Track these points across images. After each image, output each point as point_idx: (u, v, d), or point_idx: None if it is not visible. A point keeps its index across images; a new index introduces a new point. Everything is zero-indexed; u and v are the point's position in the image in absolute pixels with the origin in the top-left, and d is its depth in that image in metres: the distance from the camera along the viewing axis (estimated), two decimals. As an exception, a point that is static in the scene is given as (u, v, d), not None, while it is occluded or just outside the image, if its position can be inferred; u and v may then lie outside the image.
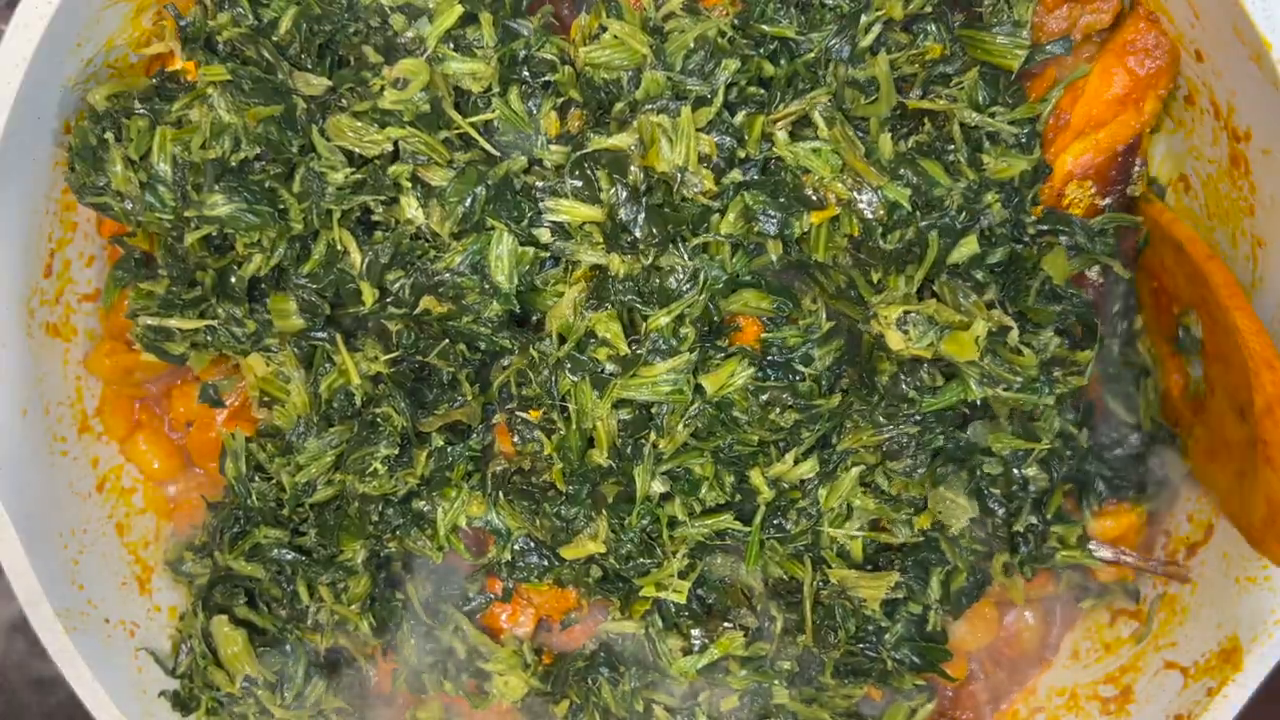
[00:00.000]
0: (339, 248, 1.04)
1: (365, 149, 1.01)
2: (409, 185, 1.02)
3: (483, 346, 1.05)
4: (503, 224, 1.00)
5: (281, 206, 1.03)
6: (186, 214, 1.02)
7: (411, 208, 1.02)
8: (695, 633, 1.10)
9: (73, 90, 1.06)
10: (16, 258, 1.08)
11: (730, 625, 1.10)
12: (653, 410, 1.03)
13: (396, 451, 1.05)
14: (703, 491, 1.05)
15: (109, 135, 1.04)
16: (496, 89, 1.02)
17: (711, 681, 1.11)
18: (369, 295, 1.03)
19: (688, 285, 1.01)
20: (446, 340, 1.05)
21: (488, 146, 1.02)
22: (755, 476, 1.05)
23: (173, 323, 1.09)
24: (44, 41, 0.99)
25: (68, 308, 1.14)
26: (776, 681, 1.10)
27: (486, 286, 1.01)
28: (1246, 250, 1.08)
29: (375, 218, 1.04)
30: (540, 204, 1.02)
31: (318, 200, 1.02)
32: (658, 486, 1.05)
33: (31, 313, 1.10)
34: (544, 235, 1.02)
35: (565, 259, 1.03)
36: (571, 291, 1.02)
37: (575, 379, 1.01)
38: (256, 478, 1.11)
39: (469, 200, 1.00)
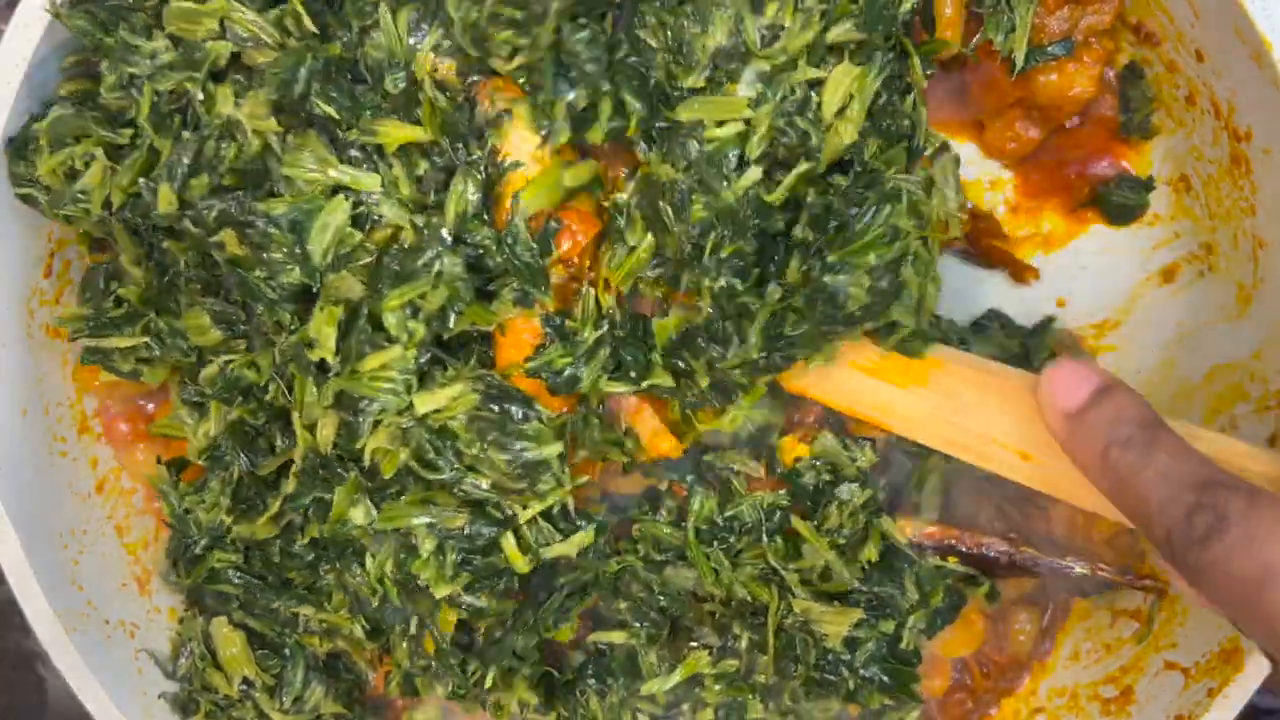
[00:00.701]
0: (153, 144, 0.97)
1: (190, 33, 0.95)
2: (227, 66, 0.96)
3: (259, 311, 0.98)
4: (330, 109, 0.93)
5: (99, 100, 0.99)
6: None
7: (226, 99, 0.94)
8: (662, 654, 1.10)
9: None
10: (16, 258, 1.08)
11: (695, 645, 1.10)
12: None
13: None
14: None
15: (40, 123, 1.01)
16: None
17: (688, 696, 1.11)
18: (166, 200, 0.95)
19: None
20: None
21: (310, 26, 0.94)
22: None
23: (109, 342, 1.07)
24: (44, 41, 0.99)
25: (68, 308, 1.14)
26: (751, 696, 1.09)
27: (297, 251, 0.93)
28: (1247, 250, 1.08)
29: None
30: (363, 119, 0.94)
31: (128, 85, 0.97)
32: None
33: (31, 313, 1.10)
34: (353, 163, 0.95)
35: (368, 214, 0.96)
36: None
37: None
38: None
39: (294, 80, 0.93)
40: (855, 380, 1.02)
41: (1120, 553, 1.14)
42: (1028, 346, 1.14)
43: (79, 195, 1.02)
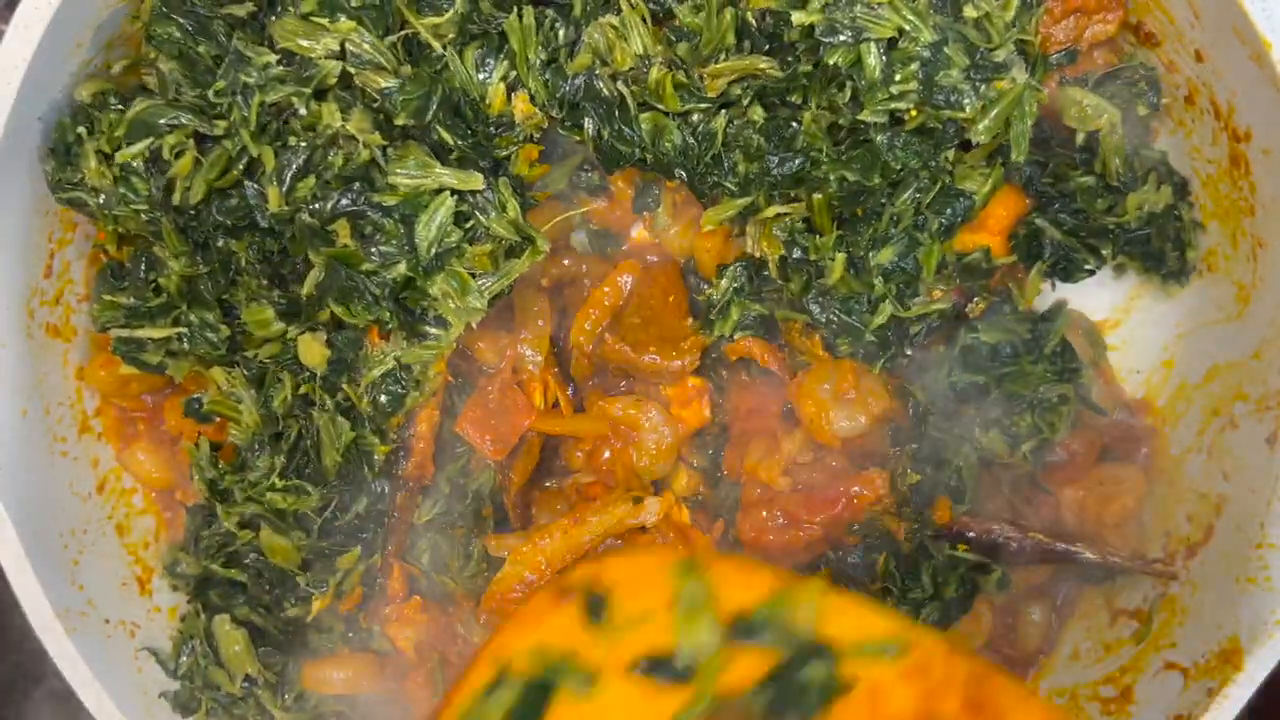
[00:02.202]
0: (254, 154, 1.01)
1: (307, 50, 1.00)
2: (334, 84, 1.01)
3: (353, 313, 1.03)
4: (450, 137, 1.00)
5: (201, 103, 1.02)
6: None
7: (333, 114, 1.00)
8: None
9: (73, 91, 1.06)
10: (16, 258, 1.08)
11: None
12: None
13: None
14: None
15: (82, 130, 1.04)
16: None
17: None
18: (276, 200, 1.01)
19: None
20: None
21: (437, 46, 1.01)
22: None
23: (143, 332, 1.08)
24: (44, 41, 0.99)
25: (68, 308, 1.14)
26: None
27: (405, 244, 1.00)
28: (1247, 250, 1.08)
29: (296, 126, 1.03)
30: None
31: (238, 92, 1.00)
32: None
33: (31, 313, 1.10)
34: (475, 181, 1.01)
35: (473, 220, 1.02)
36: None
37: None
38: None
39: (426, 107, 1.00)
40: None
41: (1130, 537, 1.15)
42: (1037, 332, 1.11)
43: (129, 195, 1.03)
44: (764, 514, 1.10)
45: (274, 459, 1.08)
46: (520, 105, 1.03)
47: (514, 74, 1.02)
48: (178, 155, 1.02)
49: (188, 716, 1.15)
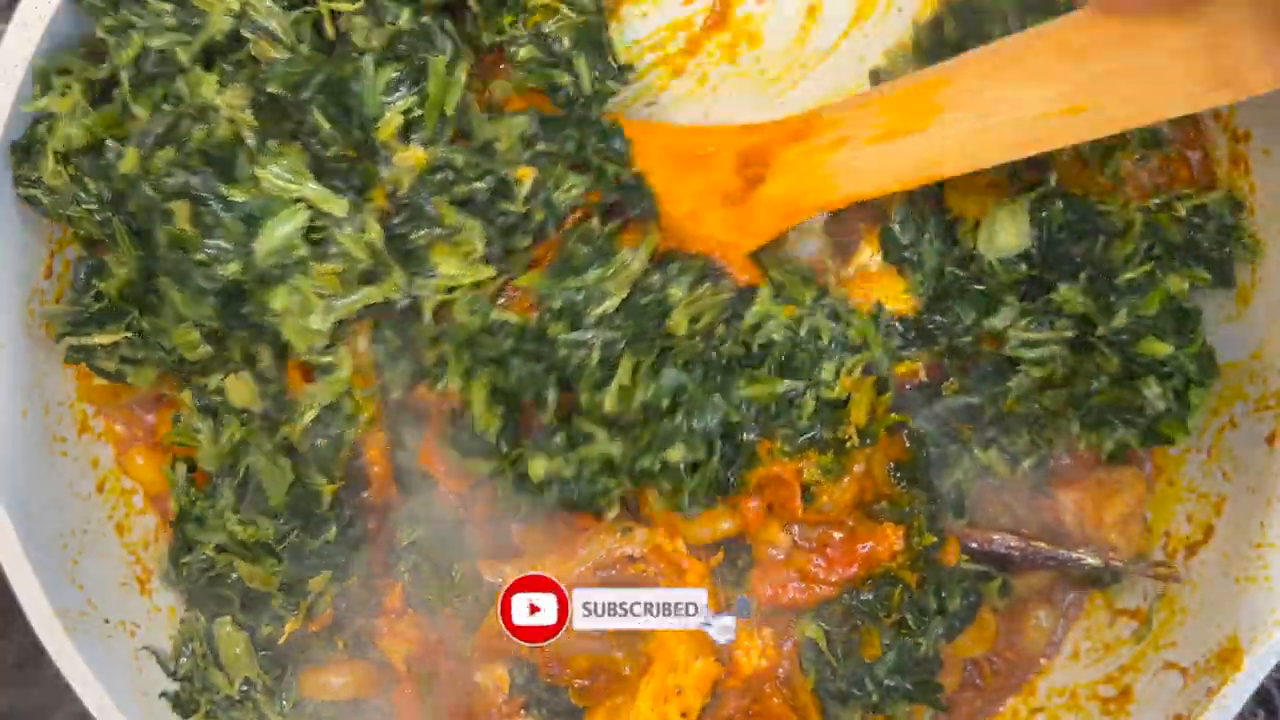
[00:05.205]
0: (126, 103, 0.99)
1: (205, 2, 0.97)
2: (223, 46, 0.98)
3: (173, 302, 0.99)
4: (327, 125, 0.95)
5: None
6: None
7: (210, 83, 0.96)
8: None
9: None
10: (16, 258, 1.08)
11: None
12: None
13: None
14: None
15: (43, 127, 1.02)
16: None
17: None
18: (130, 162, 0.97)
19: None
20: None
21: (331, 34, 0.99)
22: None
23: (90, 339, 1.07)
24: (44, 41, 0.99)
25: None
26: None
27: (244, 245, 0.95)
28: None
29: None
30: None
31: (126, 30, 0.98)
32: None
33: (32, 313, 1.10)
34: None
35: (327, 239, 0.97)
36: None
37: None
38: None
39: (305, 85, 0.95)
40: (880, 156, 0.96)
41: (1131, 539, 1.15)
42: None
43: (81, 195, 1.02)
44: (783, 574, 1.07)
45: (231, 492, 1.08)
46: (413, 153, 0.98)
47: (419, 114, 0.98)
48: (62, 94, 1.00)
49: (187, 718, 1.15)
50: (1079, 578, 1.18)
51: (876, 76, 1.11)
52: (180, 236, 0.95)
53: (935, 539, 1.06)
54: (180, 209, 0.94)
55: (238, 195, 0.94)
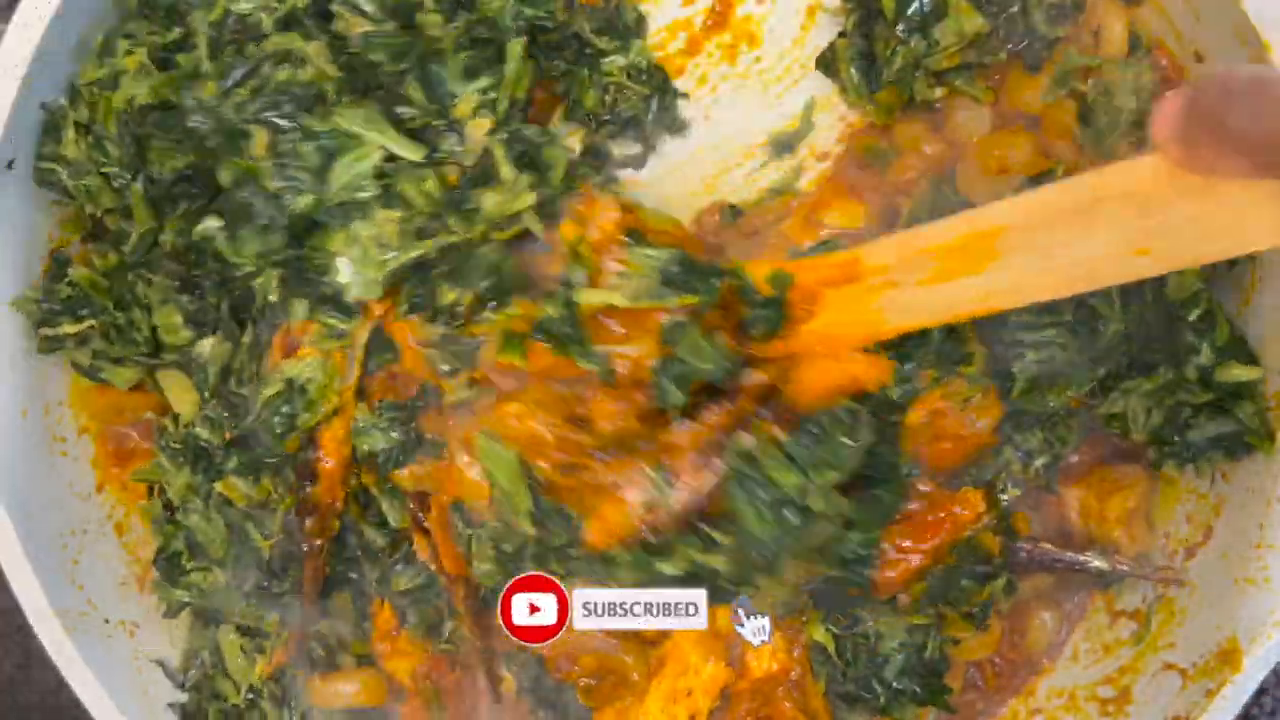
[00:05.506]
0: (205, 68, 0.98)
1: None
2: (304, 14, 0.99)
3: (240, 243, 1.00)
4: (419, 95, 0.98)
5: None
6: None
7: (291, 39, 0.97)
8: None
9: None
10: (16, 258, 1.08)
11: None
12: None
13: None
14: None
15: (64, 101, 1.03)
16: None
17: None
18: (208, 90, 0.97)
19: None
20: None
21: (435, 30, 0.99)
22: None
23: (59, 329, 1.07)
24: (44, 41, 0.99)
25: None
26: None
27: (318, 177, 0.97)
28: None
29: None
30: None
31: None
32: None
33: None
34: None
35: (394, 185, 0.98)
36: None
37: None
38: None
39: (401, 60, 0.98)
40: (932, 295, 0.95)
41: (1135, 536, 1.14)
42: None
43: (100, 158, 1.02)
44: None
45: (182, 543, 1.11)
46: (479, 125, 0.99)
47: (493, 96, 1.00)
48: (127, 54, 1.00)
49: (192, 724, 1.15)
50: (1081, 578, 1.18)
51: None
52: (252, 168, 0.96)
53: (1019, 491, 1.07)
54: (259, 135, 0.95)
55: (319, 126, 0.96)
